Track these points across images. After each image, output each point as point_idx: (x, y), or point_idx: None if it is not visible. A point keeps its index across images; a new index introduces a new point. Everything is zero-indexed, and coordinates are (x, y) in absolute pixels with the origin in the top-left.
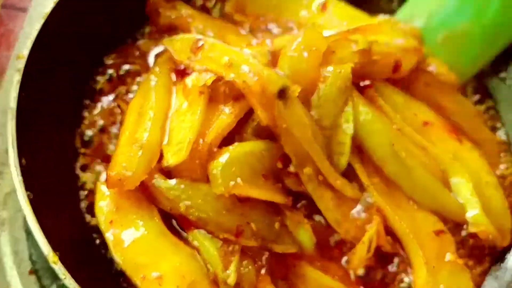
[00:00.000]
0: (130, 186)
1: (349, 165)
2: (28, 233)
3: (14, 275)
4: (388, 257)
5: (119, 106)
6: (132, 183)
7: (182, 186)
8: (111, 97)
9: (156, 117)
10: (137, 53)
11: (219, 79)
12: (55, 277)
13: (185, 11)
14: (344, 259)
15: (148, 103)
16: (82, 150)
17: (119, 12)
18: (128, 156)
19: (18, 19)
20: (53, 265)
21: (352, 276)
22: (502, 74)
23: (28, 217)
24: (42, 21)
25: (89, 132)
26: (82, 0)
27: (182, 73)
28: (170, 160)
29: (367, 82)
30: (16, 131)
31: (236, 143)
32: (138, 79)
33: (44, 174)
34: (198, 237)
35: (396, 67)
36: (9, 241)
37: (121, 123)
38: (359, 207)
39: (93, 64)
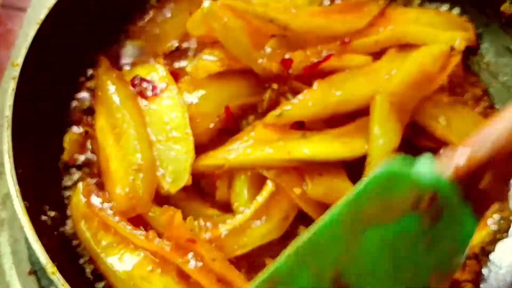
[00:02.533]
0: (143, 210)
1: None
2: None
3: (13, 275)
4: None
5: (87, 132)
6: (144, 207)
7: None
8: None
9: (140, 135)
10: None
11: None
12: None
13: None
14: None
15: (122, 122)
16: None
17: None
18: (128, 181)
19: (17, 19)
20: (52, 276)
21: None
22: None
23: (25, 227)
24: (36, 27)
25: None
26: (78, 6)
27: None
28: (170, 188)
29: None
30: (12, 139)
31: None
32: None
33: (40, 182)
34: None
35: None
36: (8, 241)
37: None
38: None
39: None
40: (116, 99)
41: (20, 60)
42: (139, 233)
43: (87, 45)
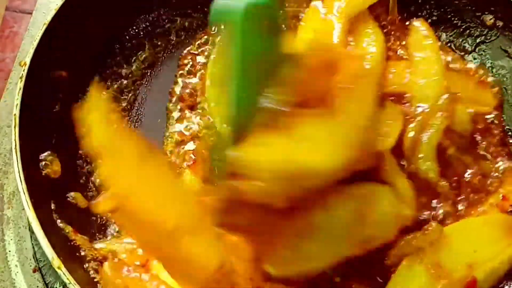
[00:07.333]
0: None
1: None
2: (33, 231)
3: (18, 273)
4: None
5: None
6: None
7: None
8: None
9: None
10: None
11: None
12: (59, 275)
13: None
14: None
15: None
16: None
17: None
18: None
19: (23, 21)
20: (58, 270)
21: None
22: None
23: (32, 223)
24: (44, 27)
25: None
26: (85, 7)
27: None
28: None
29: None
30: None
31: None
32: None
33: (46, 179)
34: None
35: None
36: (13, 239)
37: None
38: None
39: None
40: None
41: (27, 60)
42: None
43: (93, 46)
